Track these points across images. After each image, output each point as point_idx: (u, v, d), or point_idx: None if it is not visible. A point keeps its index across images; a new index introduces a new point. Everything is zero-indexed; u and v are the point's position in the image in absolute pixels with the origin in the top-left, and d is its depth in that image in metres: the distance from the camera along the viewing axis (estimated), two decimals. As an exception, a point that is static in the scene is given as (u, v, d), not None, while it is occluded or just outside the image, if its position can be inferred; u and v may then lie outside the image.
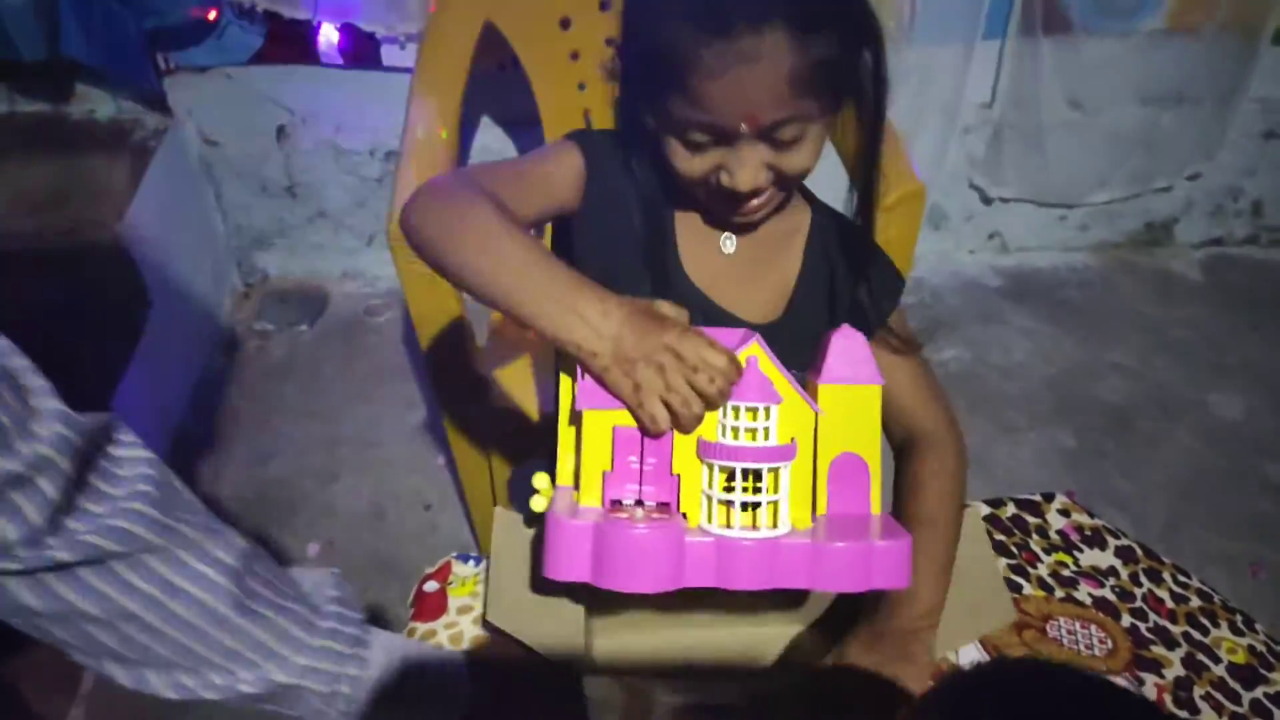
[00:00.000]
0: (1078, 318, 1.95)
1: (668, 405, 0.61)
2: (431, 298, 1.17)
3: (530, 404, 1.23)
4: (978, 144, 1.90)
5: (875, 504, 0.66)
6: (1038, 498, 0.99)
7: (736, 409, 0.61)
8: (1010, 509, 0.97)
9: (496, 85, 1.57)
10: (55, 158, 1.70)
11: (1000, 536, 0.94)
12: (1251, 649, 0.86)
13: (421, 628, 0.89)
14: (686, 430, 0.62)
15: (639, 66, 0.73)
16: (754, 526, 0.61)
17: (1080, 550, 0.94)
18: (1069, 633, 0.88)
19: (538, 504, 0.67)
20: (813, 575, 0.61)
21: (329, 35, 1.70)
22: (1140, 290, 2.01)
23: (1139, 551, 0.94)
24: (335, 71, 1.74)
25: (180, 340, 1.80)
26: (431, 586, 0.94)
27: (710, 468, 0.62)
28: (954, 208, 2.01)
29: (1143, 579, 0.91)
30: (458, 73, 1.31)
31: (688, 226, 0.81)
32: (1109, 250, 2.08)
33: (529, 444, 1.26)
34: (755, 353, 0.63)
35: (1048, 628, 0.88)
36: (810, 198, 0.88)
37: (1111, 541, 0.95)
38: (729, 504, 0.61)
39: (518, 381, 1.27)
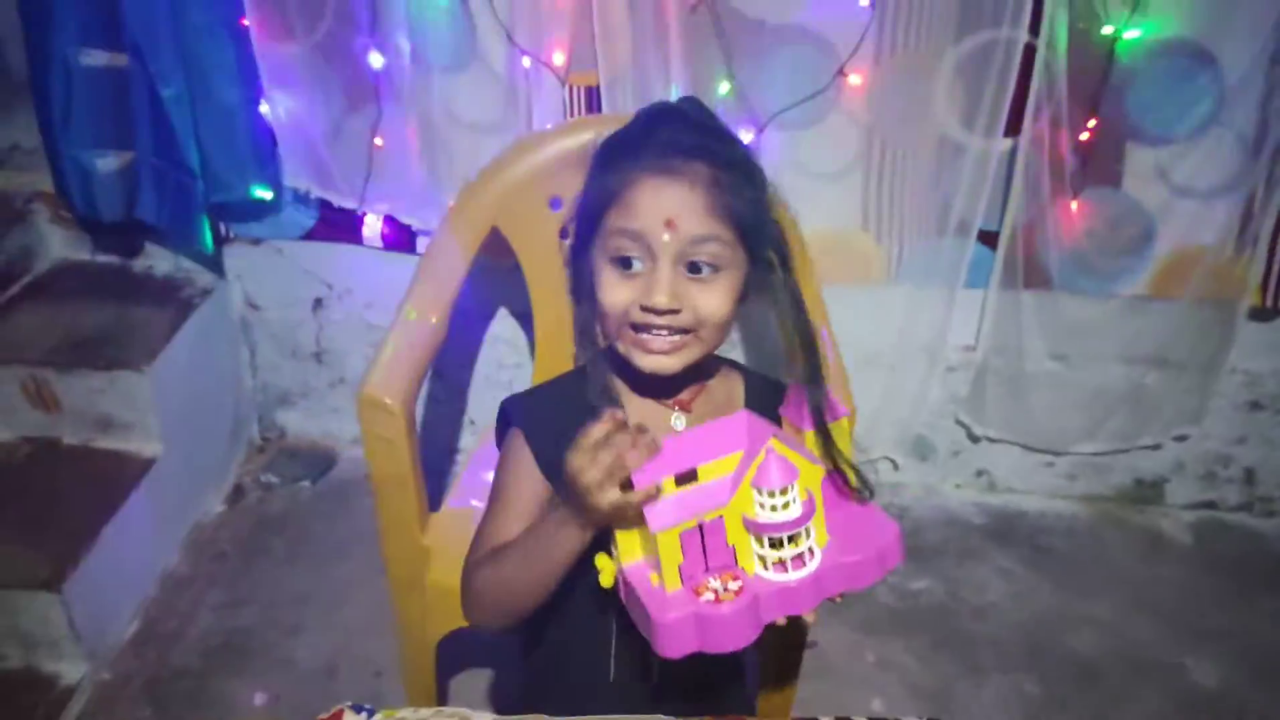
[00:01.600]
0: (1059, 565, 1.94)
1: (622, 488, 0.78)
2: (389, 461, 1.26)
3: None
4: (962, 384, 1.98)
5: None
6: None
7: (770, 491, 0.79)
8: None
9: (512, 280, 1.71)
10: (109, 304, 1.89)
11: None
12: None
13: (296, 770, 0.92)
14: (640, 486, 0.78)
15: (586, 205, 0.89)
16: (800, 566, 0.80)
17: None
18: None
19: (606, 580, 0.83)
20: (849, 581, 0.82)
21: (373, 223, 1.90)
22: (1126, 546, 2.00)
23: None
24: (374, 251, 1.93)
25: (187, 482, 1.91)
26: (317, 732, 0.97)
27: (758, 538, 0.80)
28: (941, 442, 2.06)
29: None
30: (458, 267, 1.46)
31: (639, 414, 0.91)
32: (1098, 503, 2.09)
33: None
34: (774, 444, 0.79)
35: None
36: (739, 366, 1.02)
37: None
38: (780, 559, 0.80)
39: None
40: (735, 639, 0.78)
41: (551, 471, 0.91)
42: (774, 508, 0.78)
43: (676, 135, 0.86)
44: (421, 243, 1.91)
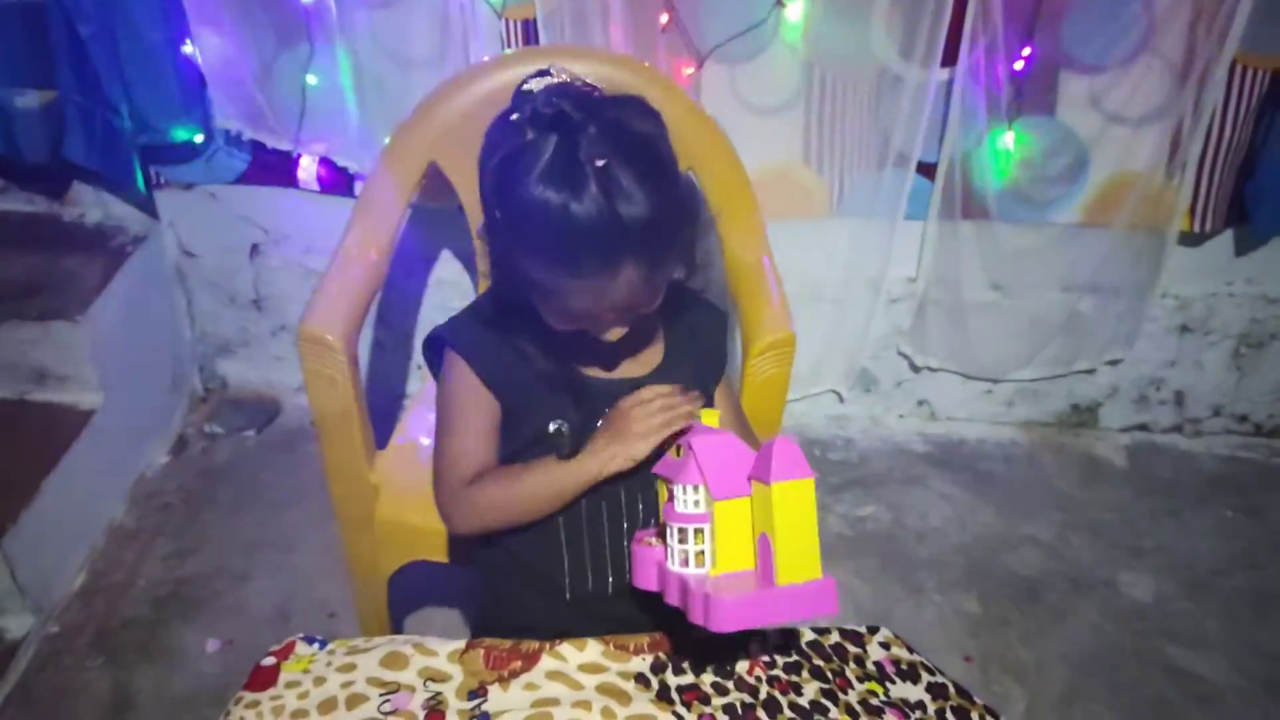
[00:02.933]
0: (998, 489, 2.00)
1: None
2: (332, 398, 1.25)
3: (421, 506, 1.28)
4: (904, 315, 2.01)
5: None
6: (862, 629, 1.02)
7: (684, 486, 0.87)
8: (834, 637, 1.01)
9: (454, 222, 1.69)
10: (38, 254, 1.84)
11: (819, 661, 0.96)
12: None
13: (247, 697, 0.93)
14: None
15: (511, 271, 0.90)
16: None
17: (893, 682, 0.96)
18: (867, 759, 0.90)
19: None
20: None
21: (308, 165, 1.86)
22: (1063, 469, 2.06)
23: (951, 689, 0.96)
24: (311, 195, 1.89)
25: (127, 435, 1.88)
26: (269, 661, 0.98)
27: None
28: (884, 373, 2.10)
29: (949, 715, 0.94)
30: (396, 203, 1.44)
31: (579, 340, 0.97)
32: (1036, 428, 2.14)
33: (416, 545, 1.31)
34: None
35: (847, 753, 0.90)
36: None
37: (925, 677, 0.97)
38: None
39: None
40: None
41: (495, 384, 0.98)
42: (685, 503, 0.86)
43: (603, 240, 0.83)
44: (359, 187, 1.88)
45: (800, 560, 0.80)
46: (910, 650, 1.00)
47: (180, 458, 1.99)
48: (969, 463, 2.06)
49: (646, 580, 0.90)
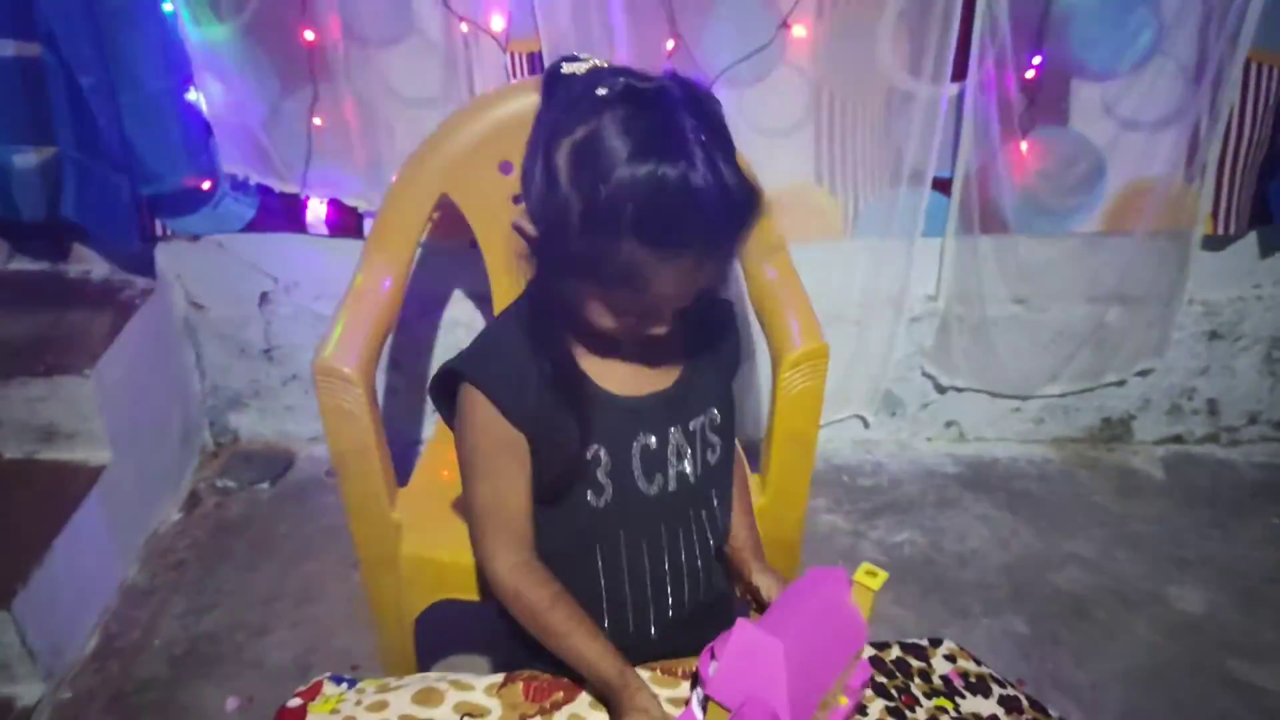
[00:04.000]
0: (1036, 508, 1.94)
1: None
2: (351, 434, 1.21)
3: (448, 542, 1.23)
4: (927, 334, 1.97)
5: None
6: (924, 642, 0.96)
7: None
8: (895, 651, 0.95)
9: (466, 261, 1.67)
10: (44, 311, 1.81)
11: (882, 679, 0.91)
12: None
13: (274, 743, 0.87)
14: None
15: (574, 265, 0.81)
16: None
17: (962, 696, 0.90)
18: (943, 781, 0.84)
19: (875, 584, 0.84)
20: None
21: (316, 208, 1.84)
22: (1100, 484, 2.01)
23: (1025, 702, 0.90)
24: (319, 240, 1.87)
25: (138, 491, 1.83)
26: (294, 703, 0.93)
27: None
28: (909, 395, 2.05)
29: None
30: (409, 235, 1.41)
31: (589, 353, 0.91)
32: (1068, 444, 2.09)
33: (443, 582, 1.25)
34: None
35: (922, 774, 0.84)
36: None
37: (996, 690, 0.91)
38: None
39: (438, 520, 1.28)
40: None
41: (521, 417, 0.88)
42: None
43: (715, 212, 0.76)
44: (368, 227, 1.85)
45: None
46: (977, 662, 0.94)
47: (193, 513, 1.94)
48: (1003, 482, 2.00)
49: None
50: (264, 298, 1.96)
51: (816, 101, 1.75)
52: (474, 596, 1.23)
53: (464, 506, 0.93)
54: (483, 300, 1.94)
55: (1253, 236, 1.89)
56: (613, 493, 0.91)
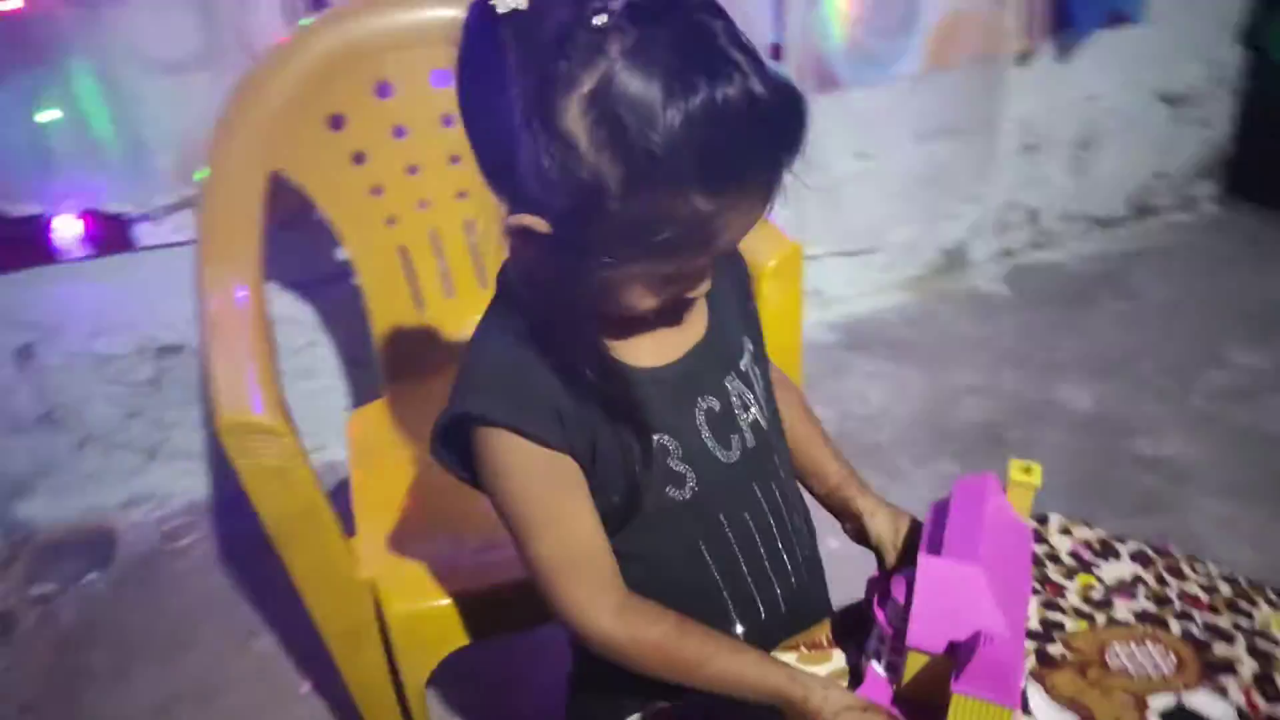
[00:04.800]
0: (915, 352, 1.98)
1: None
2: (288, 495, 0.96)
3: (437, 584, 1.03)
4: (778, 207, 1.91)
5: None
6: (1033, 524, 0.91)
7: None
8: (1011, 544, 0.89)
9: (274, 244, 1.38)
10: None
11: (1016, 577, 0.84)
12: (1300, 620, 0.81)
13: None
14: None
15: (615, 247, 0.62)
16: None
17: (1098, 566, 0.86)
18: (1130, 658, 0.79)
19: None
20: None
21: (68, 227, 1.45)
22: (959, 313, 2.08)
23: (1150, 552, 0.88)
24: (79, 267, 1.49)
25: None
26: None
27: None
28: (773, 274, 2.00)
29: (1168, 579, 0.85)
30: (247, 230, 1.13)
31: (611, 337, 0.73)
32: (918, 284, 2.15)
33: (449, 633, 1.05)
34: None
35: (1107, 659, 0.79)
36: None
37: (1122, 549, 0.88)
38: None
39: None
40: None
41: (569, 441, 0.70)
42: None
43: (788, 125, 0.61)
44: (143, 231, 1.50)
45: None
46: (1089, 526, 0.91)
47: (14, 639, 1.54)
48: (877, 336, 2.03)
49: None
50: (24, 352, 1.55)
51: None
52: (485, 637, 1.04)
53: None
54: (305, 288, 1.66)
55: (1051, 48, 1.97)
56: (695, 477, 0.76)
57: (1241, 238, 2.22)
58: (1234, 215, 2.31)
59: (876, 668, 0.73)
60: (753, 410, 0.80)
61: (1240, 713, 0.74)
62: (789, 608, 0.83)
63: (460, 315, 1.37)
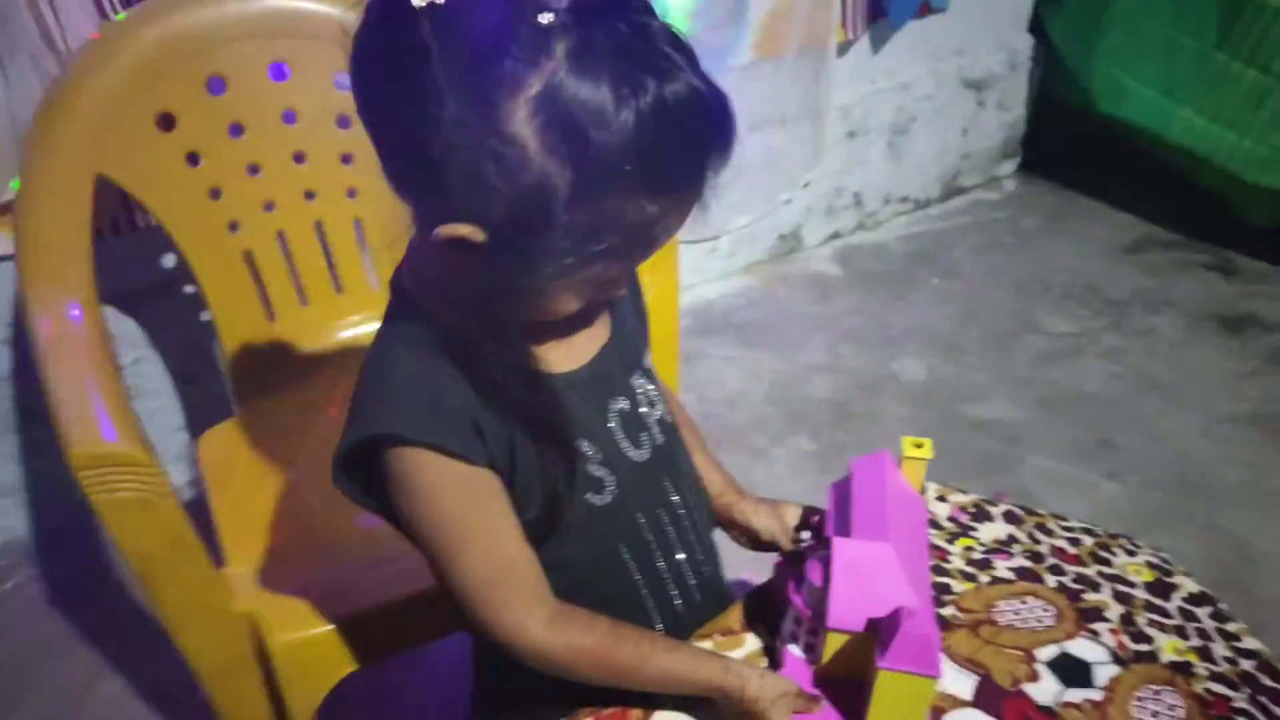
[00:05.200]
0: (761, 334, 2.04)
1: None
2: (153, 529, 0.88)
3: (317, 609, 0.98)
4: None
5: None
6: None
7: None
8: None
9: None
10: None
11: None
12: (1149, 565, 0.90)
13: None
14: None
15: (557, 252, 0.59)
16: None
17: (975, 530, 0.92)
18: (1015, 614, 0.86)
19: None
20: None
21: None
22: (797, 295, 2.17)
23: (1020, 511, 0.95)
24: None
25: None
26: None
27: None
28: (622, 265, 2.02)
29: (1039, 536, 0.92)
30: (79, 241, 1.03)
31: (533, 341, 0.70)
32: (759, 268, 2.22)
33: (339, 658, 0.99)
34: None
35: (995, 617, 0.84)
36: None
37: (994, 510, 0.95)
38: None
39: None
40: None
41: (484, 455, 0.67)
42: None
43: (713, 130, 0.61)
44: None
45: None
46: (962, 491, 0.96)
47: None
48: (725, 321, 2.08)
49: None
50: None
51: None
52: (374, 660, 1.00)
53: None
54: (125, 300, 1.52)
55: (867, 39, 2.07)
56: (613, 480, 0.76)
57: (1042, 212, 2.43)
58: (1033, 192, 2.52)
59: (795, 650, 0.75)
60: (658, 406, 0.81)
61: (1113, 654, 0.81)
62: (702, 597, 0.84)
63: (316, 326, 1.30)
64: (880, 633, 0.69)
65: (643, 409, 0.79)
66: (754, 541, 0.89)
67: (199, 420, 1.62)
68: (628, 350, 0.79)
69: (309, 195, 1.27)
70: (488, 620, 0.68)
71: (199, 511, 1.10)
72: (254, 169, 1.22)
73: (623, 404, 0.77)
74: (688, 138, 0.58)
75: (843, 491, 0.81)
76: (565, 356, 0.73)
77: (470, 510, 0.68)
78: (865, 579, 0.70)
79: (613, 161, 0.55)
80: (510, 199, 0.56)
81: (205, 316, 1.31)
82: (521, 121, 0.54)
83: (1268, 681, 0.79)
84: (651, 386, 0.80)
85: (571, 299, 0.66)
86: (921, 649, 0.66)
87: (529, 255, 0.59)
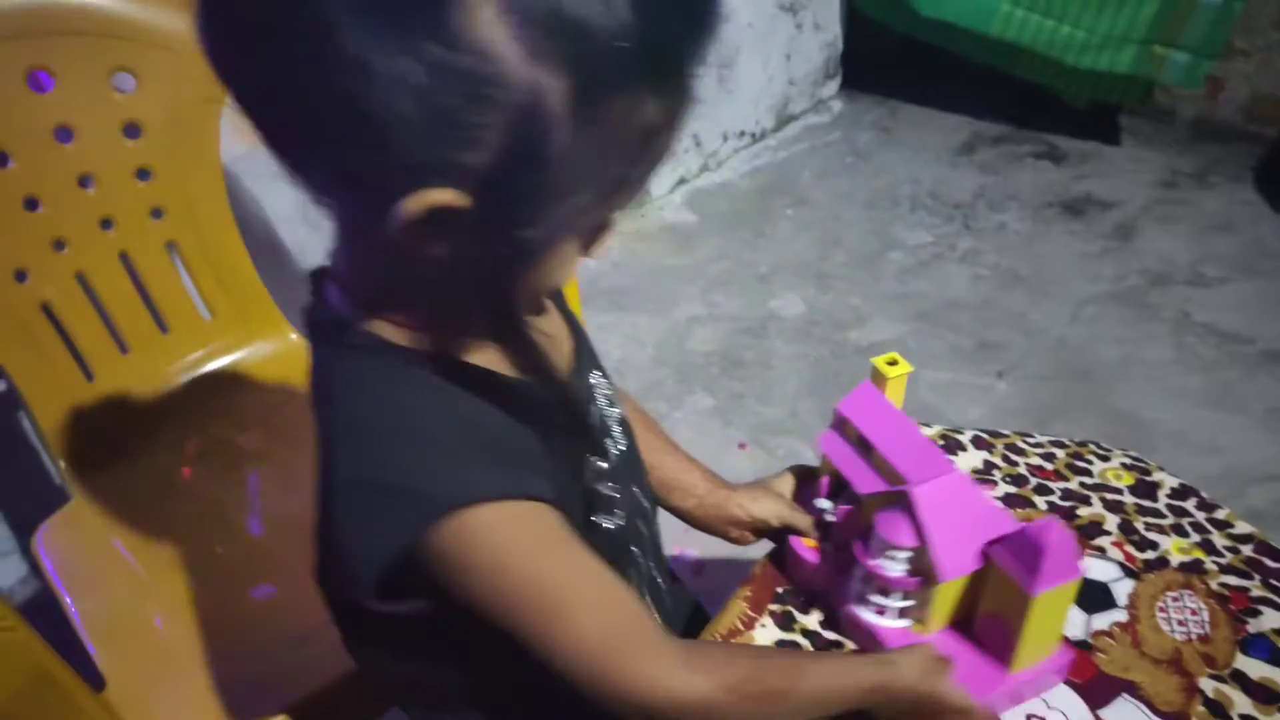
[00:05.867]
0: (634, 296, 1.95)
1: None
2: (5, 668, 0.69)
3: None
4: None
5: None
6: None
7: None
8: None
9: None
10: None
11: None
12: (1125, 466, 0.87)
13: None
14: None
15: (565, 176, 0.45)
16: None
17: (953, 460, 0.87)
18: (1017, 545, 0.81)
19: None
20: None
21: None
22: (659, 249, 2.08)
23: (987, 437, 0.90)
24: None
25: None
26: None
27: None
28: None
29: (1014, 459, 0.87)
30: None
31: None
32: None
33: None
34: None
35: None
36: None
37: (962, 438, 0.89)
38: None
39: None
40: None
41: (550, 488, 0.53)
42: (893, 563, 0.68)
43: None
44: None
45: (1041, 645, 0.66)
46: (928, 425, 0.90)
47: None
48: (593, 286, 1.97)
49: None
50: None
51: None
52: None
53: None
54: None
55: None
56: (620, 496, 0.65)
57: (874, 127, 2.43)
58: (859, 109, 2.53)
59: (867, 615, 0.68)
60: (616, 405, 0.70)
61: (1124, 567, 0.77)
62: (672, 602, 0.75)
63: (145, 375, 1.10)
64: (1006, 561, 0.63)
65: (606, 409, 0.68)
66: (761, 533, 0.79)
67: (28, 511, 1.38)
68: (587, 349, 0.68)
69: (105, 224, 1.06)
70: (618, 682, 0.53)
71: (50, 614, 0.90)
72: (31, 203, 1.00)
73: (596, 409, 0.66)
74: (683, 16, 0.45)
75: (835, 444, 0.73)
76: (559, 365, 0.61)
77: (563, 560, 0.53)
78: (956, 516, 0.65)
79: (615, 55, 0.42)
80: (495, 135, 0.42)
81: (2, 387, 1.08)
82: (489, 23, 0.40)
83: (1271, 563, 0.77)
84: (606, 382, 0.69)
85: (571, 259, 0.52)
86: (1064, 557, 0.61)
87: (530, 205, 0.45)
